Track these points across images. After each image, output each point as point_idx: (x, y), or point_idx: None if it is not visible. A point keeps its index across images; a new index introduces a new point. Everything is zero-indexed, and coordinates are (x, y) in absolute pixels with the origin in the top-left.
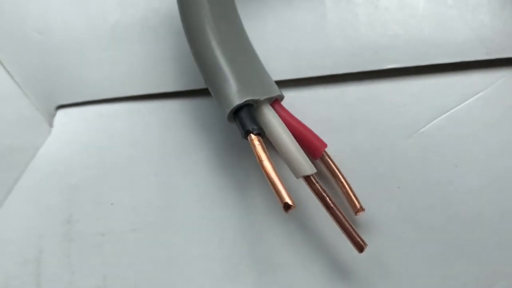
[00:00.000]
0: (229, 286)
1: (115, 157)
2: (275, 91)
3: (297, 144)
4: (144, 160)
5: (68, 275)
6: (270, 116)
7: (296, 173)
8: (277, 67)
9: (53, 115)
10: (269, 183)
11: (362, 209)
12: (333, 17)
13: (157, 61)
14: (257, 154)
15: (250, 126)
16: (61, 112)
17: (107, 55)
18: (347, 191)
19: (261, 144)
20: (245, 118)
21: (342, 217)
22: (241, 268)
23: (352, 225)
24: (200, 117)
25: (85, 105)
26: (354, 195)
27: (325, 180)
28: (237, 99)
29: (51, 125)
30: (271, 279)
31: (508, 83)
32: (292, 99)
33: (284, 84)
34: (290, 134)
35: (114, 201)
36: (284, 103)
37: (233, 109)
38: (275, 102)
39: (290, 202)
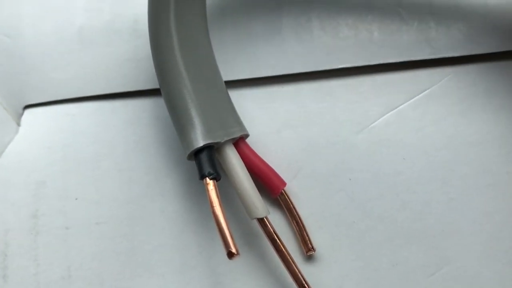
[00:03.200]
0: (189, 275)
1: (80, 154)
2: (239, 131)
3: (254, 186)
4: (108, 157)
5: (33, 267)
6: (230, 157)
7: (250, 215)
8: (235, 67)
9: (21, 115)
10: (217, 230)
11: (313, 249)
12: (288, 21)
13: (121, 62)
14: (209, 199)
15: (206, 170)
16: (28, 112)
17: (73, 56)
18: (300, 231)
19: (215, 189)
20: (203, 161)
21: (290, 260)
22: (201, 257)
23: (299, 268)
24: (162, 115)
25: (52, 105)
26: (307, 235)
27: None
28: (197, 142)
29: (18, 124)
30: (230, 268)
31: (452, 81)
32: (250, 98)
33: (242, 83)
34: (249, 176)
35: (79, 196)
36: (243, 101)
37: (192, 151)
38: (240, 140)
39: (233, 251)
